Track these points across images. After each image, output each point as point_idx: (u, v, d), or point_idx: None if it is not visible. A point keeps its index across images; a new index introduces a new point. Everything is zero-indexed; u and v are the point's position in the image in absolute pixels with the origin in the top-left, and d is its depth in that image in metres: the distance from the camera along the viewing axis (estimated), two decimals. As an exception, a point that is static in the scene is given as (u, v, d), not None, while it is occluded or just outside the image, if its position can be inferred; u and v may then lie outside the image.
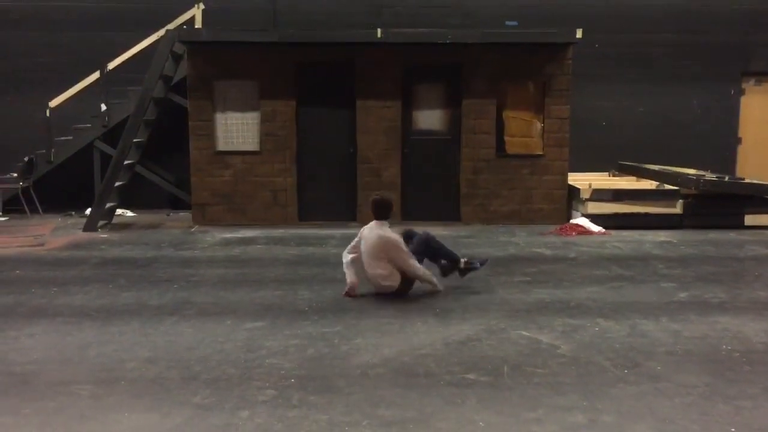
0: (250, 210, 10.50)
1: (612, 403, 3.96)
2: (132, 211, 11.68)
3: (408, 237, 6.52)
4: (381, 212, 6.19)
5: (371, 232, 6.17)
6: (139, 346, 4.91)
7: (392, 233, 6.16)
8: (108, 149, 11.16)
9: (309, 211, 10.58)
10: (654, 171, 10.81)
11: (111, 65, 10.95)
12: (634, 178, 11.22)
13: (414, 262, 6.16)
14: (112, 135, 11.20)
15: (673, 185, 10.15)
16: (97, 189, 10.68)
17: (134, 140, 10.22)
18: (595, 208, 10.00)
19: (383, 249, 6.05)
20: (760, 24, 12.45)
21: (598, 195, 10.03)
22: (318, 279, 6.93)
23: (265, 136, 10.41)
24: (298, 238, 9.30)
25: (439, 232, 9.66)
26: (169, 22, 10.89)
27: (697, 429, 3.63)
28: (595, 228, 9.72)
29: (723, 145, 12.66)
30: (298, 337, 5.13)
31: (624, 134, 12.50)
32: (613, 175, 11.79)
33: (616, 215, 9.96)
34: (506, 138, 10.57)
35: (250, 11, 11.93)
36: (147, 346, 4.93)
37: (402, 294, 6.25)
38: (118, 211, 11.00)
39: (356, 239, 6.38)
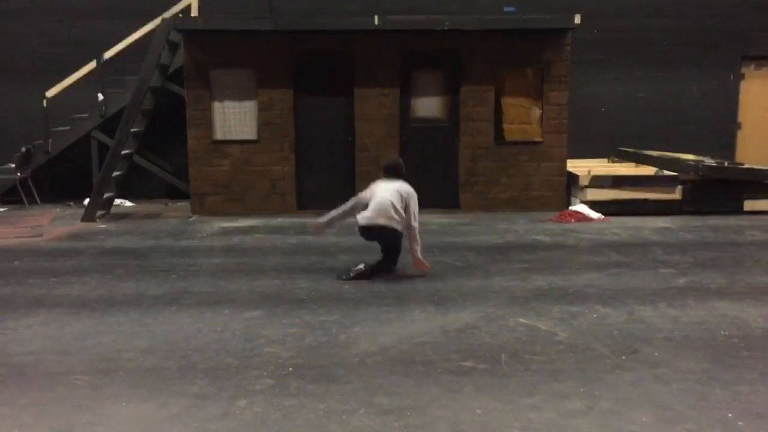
0: (248, 199, 10.48)
1: (609, 389, 3.96)
2: (130, 201, 11.67)
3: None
4: (399, 172, 6.60)
5: (391, 183, 6.48)
6: (138, 336, 4.92)
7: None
8: (105, 139, 11.13)
9: (307, 200, 10.56)
10: (653, 157, 10.78)
11: (107, 55, 10.89)
12: (634, 164, 11.18)
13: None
14: (110, 125, 11.15)
15: (672, 171, 10.12)
16: (95, 179, 10.66)
17: (132, 130, 10.19)
18: (594, 194, 9.98)
19: (409, 197, 6.43)
20: (760, 8, 12.37)
21: (598, 181, 10.01)
22: (316, 268, 6.93)
23: (262, 125, 10.37)
24: (296, 227, 9.29)
25: (438, 219, 9.68)
26: (165, 10, 10.82)
27: (695, 414, 3.64)
28: (594, 215, 9.71)
29: (722, 131, 12.61)
30: (296, 326, 5.13)
31: (623, 120, 12.45)
32: (612, 162, 11.76)
33: (615, 201, 9.94)
34: (505, 125, 10.53)
35: (247, -1, 11.86)
36: (145, 336, 4.93)
37: (389, 269, 6.51)
38: (117, 201, 10.99)
39: (367, 193, 6.56)
